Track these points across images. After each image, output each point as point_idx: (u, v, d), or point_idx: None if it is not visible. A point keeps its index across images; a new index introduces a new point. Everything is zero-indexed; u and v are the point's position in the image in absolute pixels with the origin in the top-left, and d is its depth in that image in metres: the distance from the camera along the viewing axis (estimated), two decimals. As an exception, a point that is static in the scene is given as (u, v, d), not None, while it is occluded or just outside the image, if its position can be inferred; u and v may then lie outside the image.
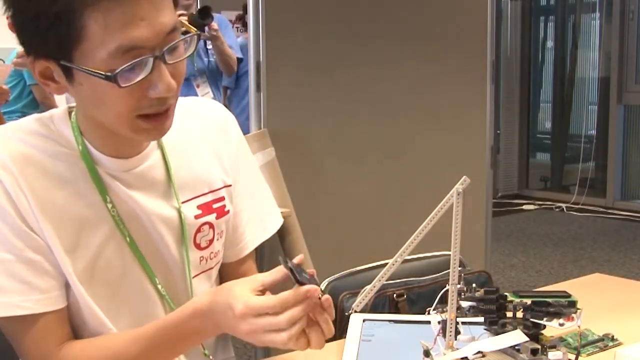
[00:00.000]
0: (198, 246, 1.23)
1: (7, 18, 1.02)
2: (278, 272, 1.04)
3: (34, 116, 1.15)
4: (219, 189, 1.25)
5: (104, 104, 1.02)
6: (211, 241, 1.24)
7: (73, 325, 1.14)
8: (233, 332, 1.04)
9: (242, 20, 4.90)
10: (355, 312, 1.09)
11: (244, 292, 1.01)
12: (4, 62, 3.71)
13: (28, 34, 1.00)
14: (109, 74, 0.97)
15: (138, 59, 0.98)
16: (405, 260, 1.05)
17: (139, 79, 0.99)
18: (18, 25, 1.01)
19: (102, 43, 0.96)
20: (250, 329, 1.00)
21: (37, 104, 4.14)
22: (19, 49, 2.46)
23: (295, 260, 1.03)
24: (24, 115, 1.16)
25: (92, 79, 0.99)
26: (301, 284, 1.00)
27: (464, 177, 0.98)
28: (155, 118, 1.05)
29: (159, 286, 1.18)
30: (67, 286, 1.12)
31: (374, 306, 1.54)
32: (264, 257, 2.63)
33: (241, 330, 1.01)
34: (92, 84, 1.00)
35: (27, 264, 1.07)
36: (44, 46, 0.99)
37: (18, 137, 1.10)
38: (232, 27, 4.73)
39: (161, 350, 1.10)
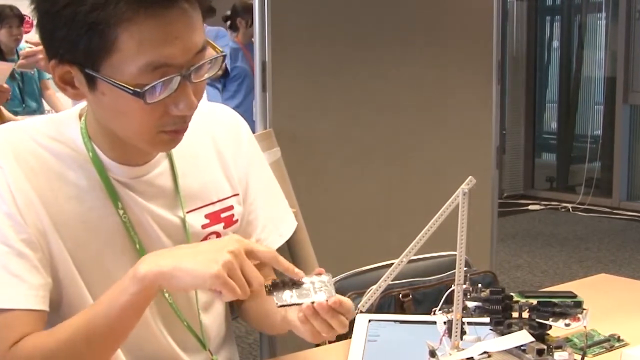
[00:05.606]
0: None
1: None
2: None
3: (46, 116, 1.15)
4: (227, 197, 1.24)
5: (124, 116, 1.02)
6: None
7: None
8: (181, 256, 1.00)
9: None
10: (361, 312, 1.09)
11: None
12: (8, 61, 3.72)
13: (57, 39, 0.98)
14: (137, 89, 0.96)
15: (166, 77, 0.97)
16: (411, 260, 1.05)
17: (164, 96, 0.99)
18: (47, 30, 0.99)
19: (134, 57, 0.96)
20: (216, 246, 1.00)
21: None
22: (25, 46, 2.47)
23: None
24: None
25: (117, 91, 0.98)
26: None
27: (470, 177, 0.98)
28: (175, 131, 1.05)
29: (166, 294, 1.18)
30: (63, 289, 1.10)
31: (380, 306, 1.54)
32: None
33: (201, 248, 1.02)
34: (116, 96, 0.99)
35: (20, 257, 1.03)
36: (71, 53, 0.98)
37: (30, 135, 1.10)
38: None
39: (106, 308, 1.01)
